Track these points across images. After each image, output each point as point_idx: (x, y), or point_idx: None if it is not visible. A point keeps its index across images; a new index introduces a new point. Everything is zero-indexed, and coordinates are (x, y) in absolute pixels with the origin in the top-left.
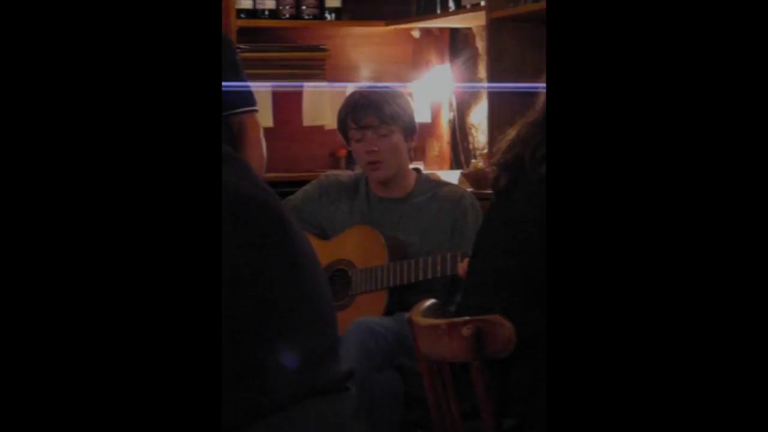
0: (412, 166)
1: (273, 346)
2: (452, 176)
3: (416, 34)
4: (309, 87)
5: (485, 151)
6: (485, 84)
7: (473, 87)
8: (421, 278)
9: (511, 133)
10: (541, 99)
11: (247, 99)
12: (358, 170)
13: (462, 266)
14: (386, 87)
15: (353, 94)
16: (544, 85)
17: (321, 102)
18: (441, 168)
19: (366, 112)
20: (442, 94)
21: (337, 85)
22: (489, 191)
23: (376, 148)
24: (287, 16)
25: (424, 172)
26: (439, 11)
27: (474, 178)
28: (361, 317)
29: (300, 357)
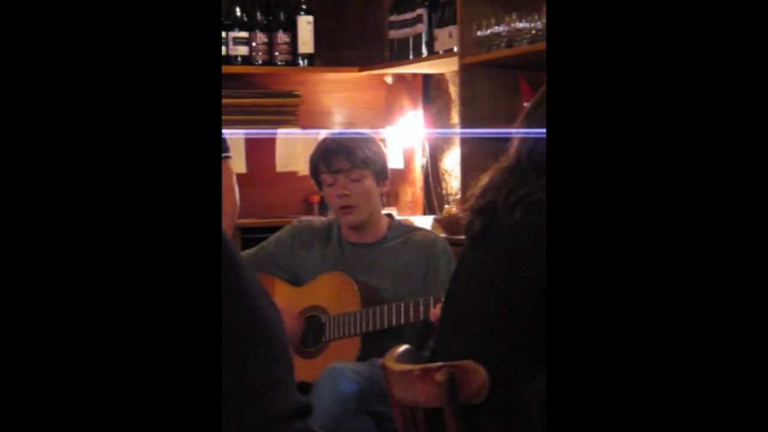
0: (384, 211)
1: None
2: (425, 221)
3: (389, 79)
4: (282, 133)
5: (458, 196)
6: (458, 129)
7: (446, 133)
8: (394, 324)
9: (484, 178)
10: (515, 144)
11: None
12: (331, 216)
13: (435, 312)
14: (358, 132)
15: (325, 139)
16: (517, 130)
17: (294, 148)
18: (414, 213)
19: (338, 157)
20: (415, 140)
21: (310, 132)
22: (462, 236)
23: (347, 192)
24: (260, 62)
25: (397, 217)
26: (411, 57)
27: (447, 224)
28: (335, 363)
29: (242, 387)
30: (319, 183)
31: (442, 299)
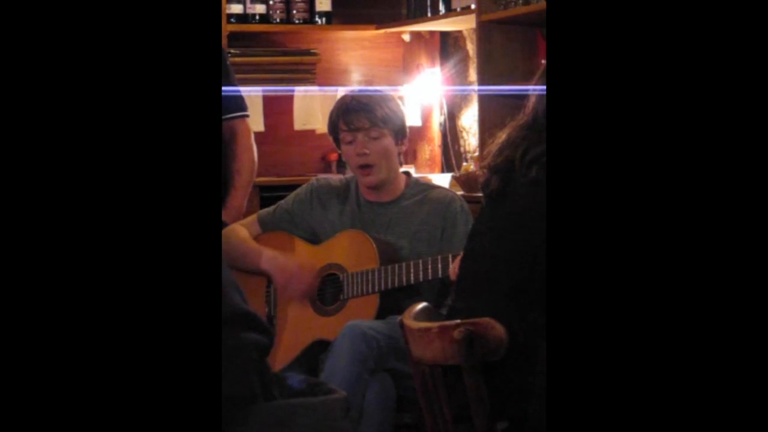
0: (402, 169)
1: None
2: (443, 179)
3: (407, 37)
4: (300, 91)
5: (476, 154)
6: (476, 87)
7: (464, 90)
8: (412, 281)
9: (501, 136)
10: (532, 101)
11: (239, 104)
12: (349, 174)
13: (453, 268)
14: (377, 90)
15: (345, 97)
16: (535, 87)
17: (312, 106)
18: (432, 171)
19: (357, 115)
20: (433, 98)
21: (328, 89)
22: (480, 194)
23: (367, 151)
24: (278, 20)
25: (416, 175)
26: (429, 14)
27: (465, 181)
28: (353, 321)
29: None
30: (337, 141)
31: (460, 255)
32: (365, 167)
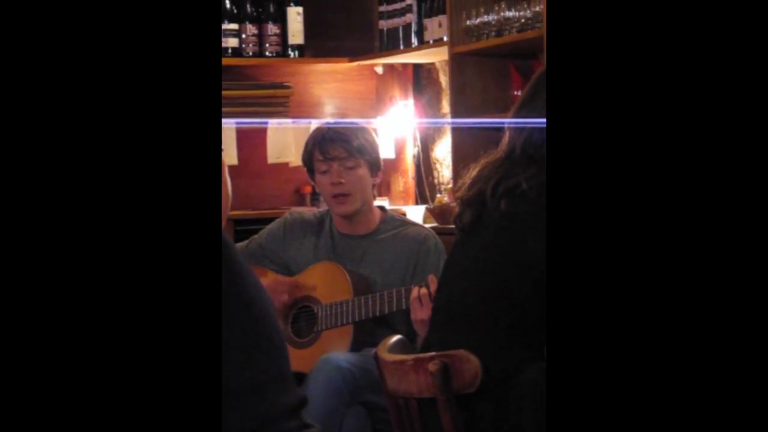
0: (376, 203)
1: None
2: (417, 211)
3: (380, 70)
4: (273, 124)
5: (450, 185)
6: (449, 119)
7: (437, 122)
8: (386, 311)
9: (475, 169)
10: (508, 134)
11: None
12: (322, 207)
13: (433, 285)
14: (353, 122)
15: (320, 127)
16: (509, 120)
17: (285, 139)
18: (406, 203)
19: (334, 144)
20: (407, 130)
21: (301, 121)
22: (454, 226)
23: (342, 180)
24: (250, 54)
25: (390, 207)
26: (402, 47)
27: (439, 213)
28: (328, 354)
29: (239, 387)
30: (311, 171)
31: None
32: (340, 196)
